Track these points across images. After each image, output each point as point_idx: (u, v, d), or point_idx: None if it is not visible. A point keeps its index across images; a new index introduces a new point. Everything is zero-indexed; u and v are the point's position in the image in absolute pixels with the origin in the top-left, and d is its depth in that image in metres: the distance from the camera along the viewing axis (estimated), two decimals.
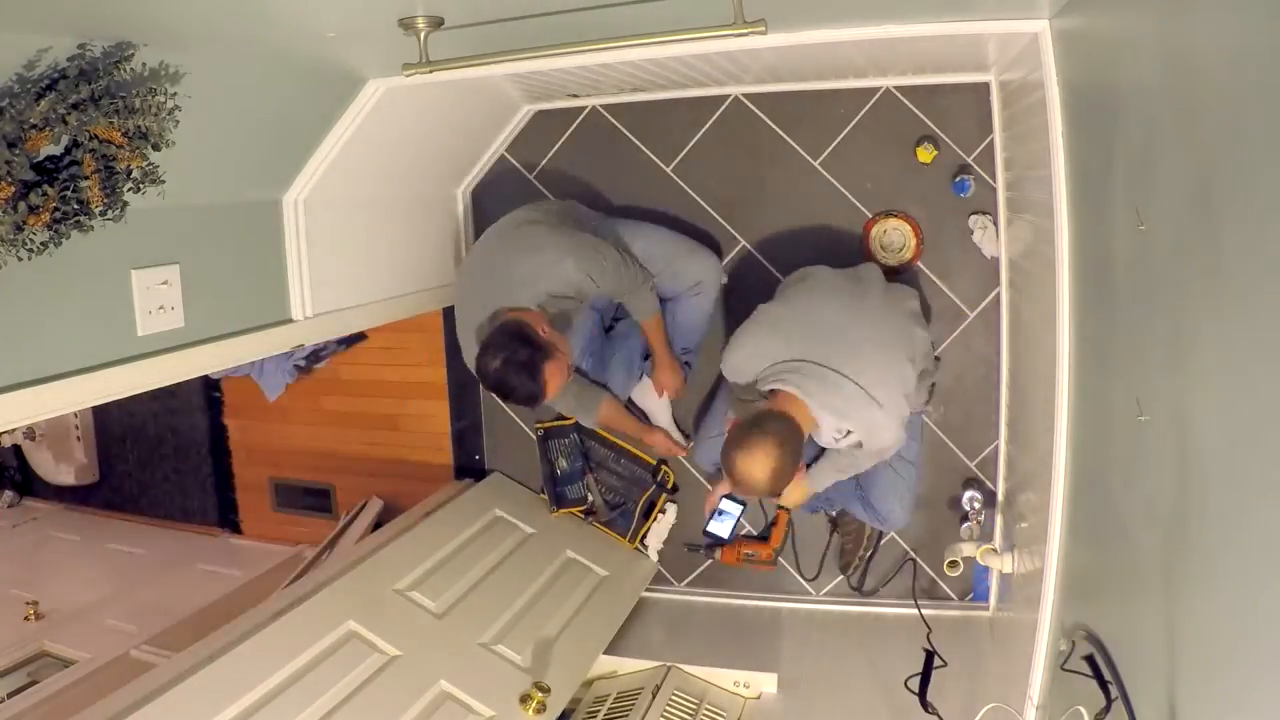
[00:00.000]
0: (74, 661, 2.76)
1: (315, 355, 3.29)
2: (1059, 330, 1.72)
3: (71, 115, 1.32)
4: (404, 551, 2.53)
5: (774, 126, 2.78)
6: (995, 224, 2.62)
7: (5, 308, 1.47)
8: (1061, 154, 1.75)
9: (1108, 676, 1.29)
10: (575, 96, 2.87)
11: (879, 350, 2.11)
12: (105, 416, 3.98)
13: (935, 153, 2.65)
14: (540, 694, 2.14)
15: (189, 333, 1.87)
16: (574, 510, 3.02)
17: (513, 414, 3.19)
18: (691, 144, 2.87)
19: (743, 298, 2.88)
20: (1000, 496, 2.67)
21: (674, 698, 2.40)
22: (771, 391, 2.10)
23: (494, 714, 2.10)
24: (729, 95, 2.81)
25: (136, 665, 2.59)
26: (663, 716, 2.32)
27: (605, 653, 2.57)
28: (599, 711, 2.41)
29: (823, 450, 2.37)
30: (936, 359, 2.59)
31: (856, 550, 2.82)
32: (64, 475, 4.00)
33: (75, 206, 1.37)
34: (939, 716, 1.96)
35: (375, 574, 2.39)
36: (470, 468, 3.25)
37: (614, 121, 2.93)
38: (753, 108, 2.80)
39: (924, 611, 2.59)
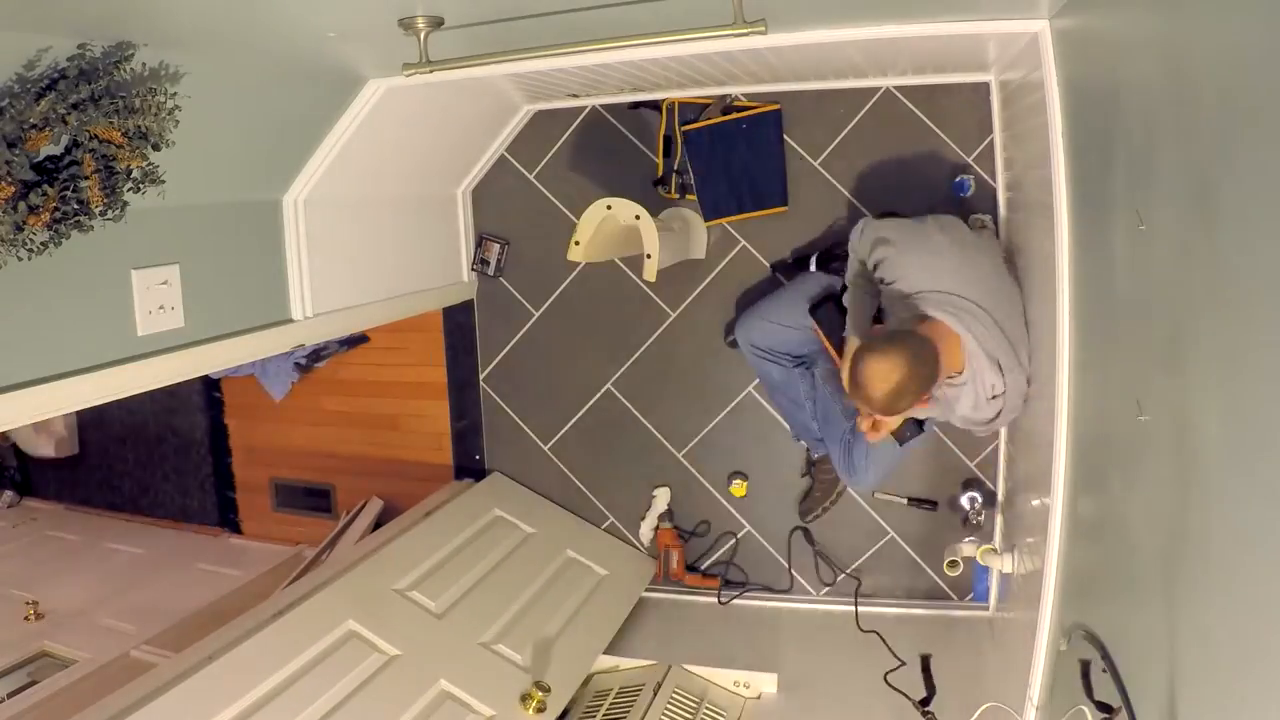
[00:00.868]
0: (74, 661, 2.76)
1: (316, 355, 3.29)
2: (1059, 330, 1.72)
3: (71, 115, 1.32)
4: (404, 551, 2.53)
5: (785, 136, 2.78)
6: (995, 224, 2.62)
7: (5, 308, 1.47)
8: (1061, 154, 1.75)
9: (1099, 682, 1.29)
10: (575, 96, 2.87)
11: (1022, 319, 2.06)
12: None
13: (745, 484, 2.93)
14: (540, 693, 2.14)
15: (189, 333, 1.87)
16: None
17: (513, 414, 3.20)
18: None
19: (743, 289, 2.89)
20: (1000, 496, 2.67)
21: (675, 696, 2.41)
22: (923, 318, 1.97)
23: (494, 713, 2.10)
24: (729, 95, 2.81)
25: (136, 665, 2.59)
26: (664, 714, 2.32)
27: (605, 652, 2.58)
28: (600, 707, 2.41)
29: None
30: None
31: (823, 500, 2.84)
32: (44, 448, 4.01)
33: (75, 206, 1.37)
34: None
35: (375, 574, 2.39)
36: (470, 468, 3.25)
37: (614, 122, 2.93)
38: None
39: (921, 611, 2.60)
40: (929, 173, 2.68)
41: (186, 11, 1.37)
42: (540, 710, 2.13)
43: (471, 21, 1.57)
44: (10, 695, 2.61)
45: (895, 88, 2.68)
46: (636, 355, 3.03)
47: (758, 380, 2.86)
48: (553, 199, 3.04)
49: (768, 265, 2.86)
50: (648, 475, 3.07)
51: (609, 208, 2.49)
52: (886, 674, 2.38)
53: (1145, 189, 1.25)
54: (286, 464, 3.60)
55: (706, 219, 2.85)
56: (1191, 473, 1.06)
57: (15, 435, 4.08)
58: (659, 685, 2.43)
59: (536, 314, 3.11)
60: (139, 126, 1.41)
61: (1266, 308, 0.84)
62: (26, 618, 3.01)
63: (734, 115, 2.76)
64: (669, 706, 2.36)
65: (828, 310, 2.31)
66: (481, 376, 3.21)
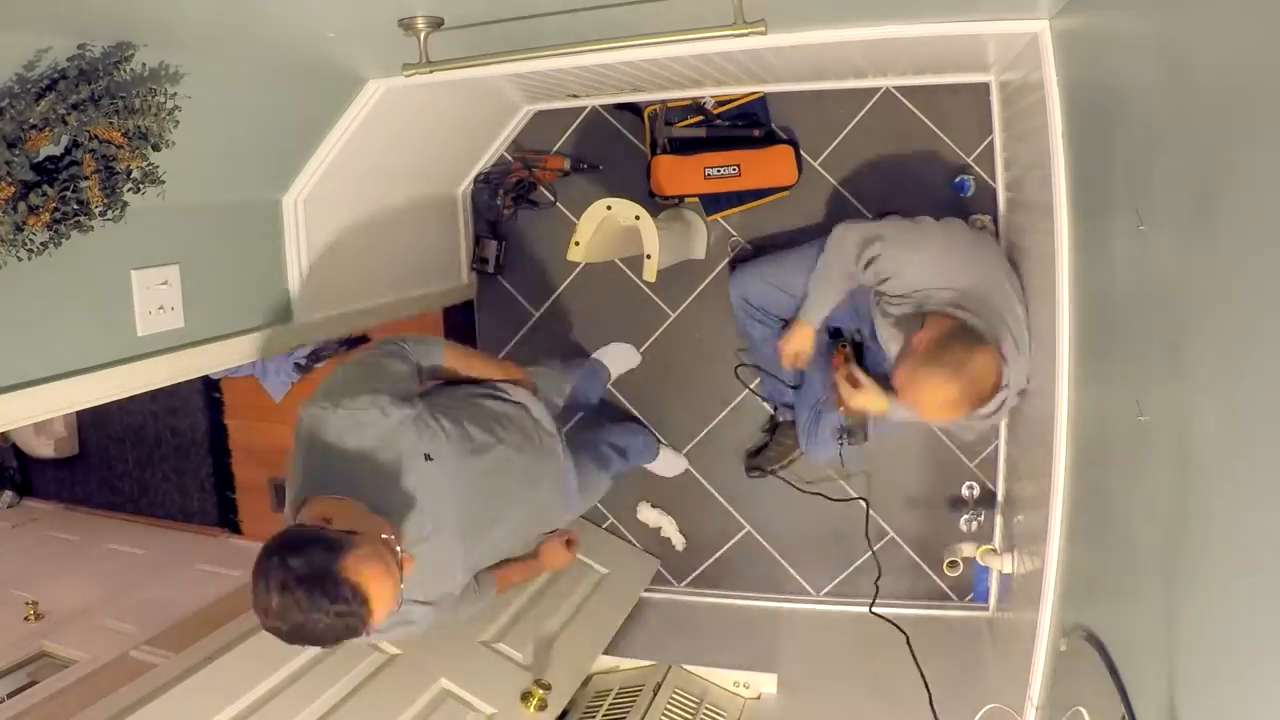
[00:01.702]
0: (74, 661, 2.76)
1: (316, 355, 3.29)
2: (1059, 330, 1.72)
3: (71, 115, 1.32)
4: None
5: (774, 127, 2.78)
6: (995, 224, 2.62)
7: (5, 308, 1.47)
8: (1061, 154, 1.75)
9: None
10: (575, 96, 2.87)
11: (1021, 306, 2.02)
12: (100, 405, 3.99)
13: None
14: (541, 691, 2.14)
15: (189, 333, 1.87)
16: None
17: None
18: None
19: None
20: (1000, 496, 2.67)
21: (675, 696, 2.41)
22: (929, 314, 1.93)
23: (495, 711, 2.10)
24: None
25: (136, 665, 2.59)
26: (663, 715, 2.32)
27: (605, 652, 2.58)
28: (599, 708, 2.41)
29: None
30: None
31: (776, 462, 2.84)
32: (43, 448, 4.01)
33: (75, 207, 1.37)
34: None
35: None
36: None
37: (614, 122, 2.93)
38: None
39: (921, 611, 2.59)
40: (929, 173, 2.68)
41: (187, 12, 1.37)
42: (541, 708, 2.13)
43: (471, 22, 1.57)
44: (10, 695, 2.61)
45: (895, 88, 2.68)
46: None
47: (757, 380, 2.86)
48: (552, 198, 3.04)
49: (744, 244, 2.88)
50: (647, 474, 3.06)
51: (609, 208, 2.49)
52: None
53: (1145, 189, 1.25)
54: (286, 464, 3.59)
55: (709, 212, 2.85)
56: (1191, 473, 1.06)
57: (15, 435, 4.08)
58: (659, 685, 2.43)
59: (537, 314, 3.11)
60: (139, 126, 1.41)
61: (1266, 308, 0.84)
62: (26, 618, 3.01)
63: (720, 110, 2.77)
64: (669, 707, 2.36)
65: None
66: None
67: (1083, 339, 1.65)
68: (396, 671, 2.11)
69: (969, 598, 2.81)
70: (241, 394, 3.63)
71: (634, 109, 2.87)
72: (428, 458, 1.63)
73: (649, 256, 2.49)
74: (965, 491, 2.73)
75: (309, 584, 1.31)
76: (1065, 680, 1.60)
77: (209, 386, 3.69)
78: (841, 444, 2.41)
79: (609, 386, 2.99)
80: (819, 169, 2.77)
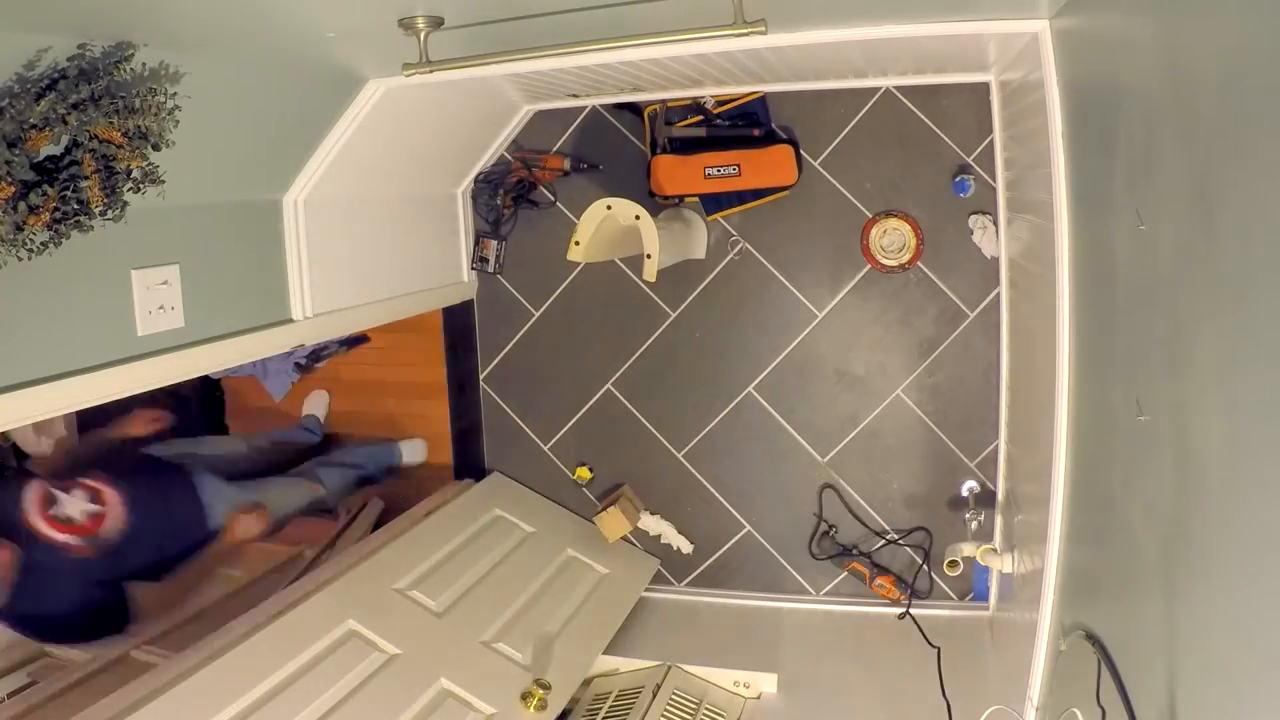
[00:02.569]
0: (74, 661, 2.75)
1: (316, 355, 3.29)
2: (1059, 330, 1.72)
3: (71, 115, 1.32)
4: (404, 551, 2.53)
5: (774, 126, 2.78)
6: (995, 224, 2.63)
7: (5, 308, 1.47)
8: (1061, 154, 1.75)
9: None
10: (575, 96, 2.87)
11: None
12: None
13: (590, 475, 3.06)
14: (541, 691, 2.14)
15: (189, 333, 1.87)
16: None
17: (513, 414, 3.20)
18: None
19: (742, 290, 2.89)
20: (1000, 496, 2.67)
21: (674, 697, 2.41)
22: None
23: (495, 711, 2.10)
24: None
25: (136, 665, 2.59)
26: (663, 716, 2.32)
27: (605, 652, 2.57)
28: (600, 710, 2.41)
29: None
30: None
31: None
32: (44, 447, 4.00)
33: (75, 206, 1.37)
34: None
35: (375, 573, 2.39)
36: (470, 468, 3.25)
37: (614, 122, 2.93)
38: None
39: (921, 611, 2.57)
40: (929, 173, 2.68)
41: (187, 12, 1.37)
42: (541, 708, 2.13)
43: (471, 21, 1.57)
44: (10, 695, 2.61)
45: (895, 88, 2.68)
46: (637, 355, 3.03)
47: (757, 380, 2.86)
48: (552, 198, 3.04)
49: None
50: (647, 475, 3.07)
51: (609, 208, 2.49)
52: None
53: (1145, 189, 1.25)
54: None
55: (709, 212, 2.85)
56: (1191, 473, 1.06)
57: (15, 435, 4.08)
58: (658, 686, 2.43)
59: (536, 314, 3.11)
60: (139, 126, 1.41)
61: (1266, 308, 0.84)
62: None
63: (720, 109, 2.76)
64: (669, 707, 2.36)
65: None
66: (481, 376, 3.21)
67: (1083, 339, 1.65)
68: (396, 671, 2.11)
69: (969, 598, 2.81)
70: (241, 394, 3.63)
71: (634, 109, 2.87)
72: None
73: (649, 256, 2.49)
74: (965, 491, 2.73)
75: None
76: (1065, 680, 1.60)
77: (209, 386, 3.69)
78: None
79: None
80: (819, 169, 2.77)
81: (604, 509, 2.96)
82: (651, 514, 3.05)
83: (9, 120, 1.26)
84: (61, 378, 1.59)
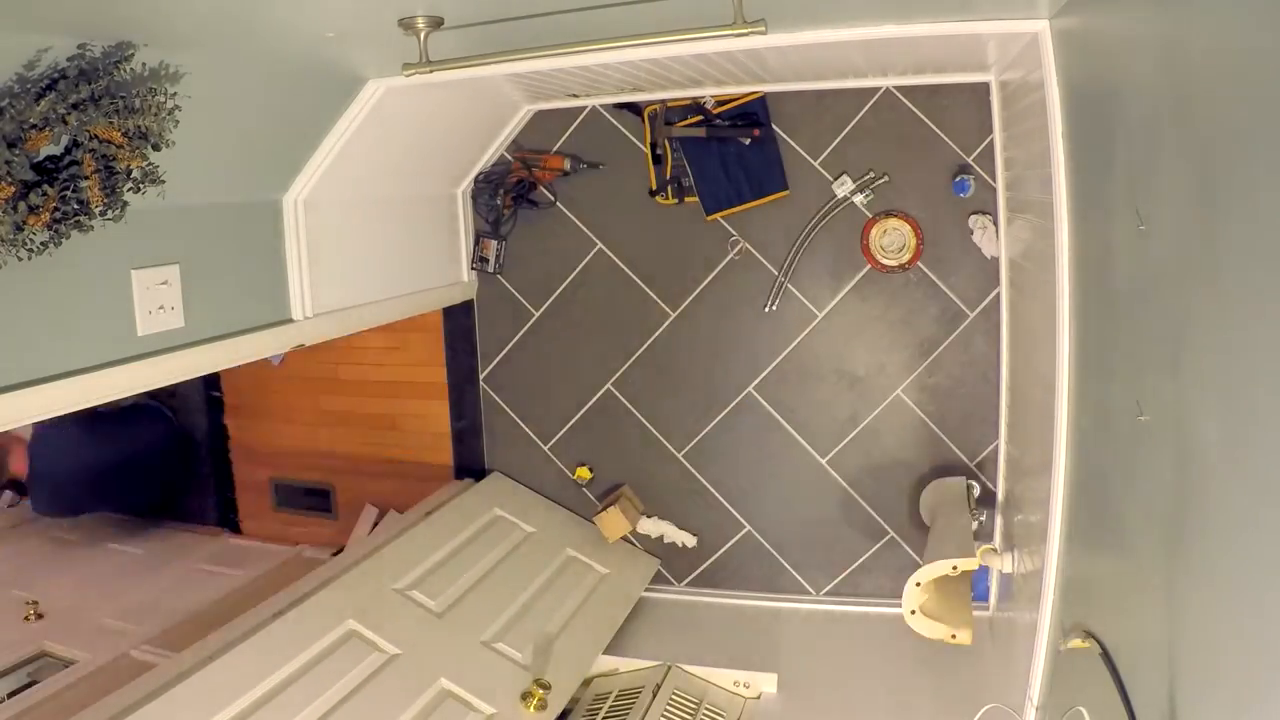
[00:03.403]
0: (74, 661, 2.75)
1: None
2: (1059, 330, 1.72)
3: (71, 115, 1.32)
4: (404, 551, 2.53)
5: (774, 127, 2.78)
6: (995, 224, 2.63)
7: (5, 308, 1.47)
8: (1061, 154, 1.75)
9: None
10: (575, 96, 2.87)
11: None
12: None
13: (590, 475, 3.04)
14: (541, 691, 2.14)
15: (189, 333, 1.87)
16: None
17: (513, 414, 3.20)
18: None
19: (741, 295, 2.89)
20: (1000, 496, 2.67)
21: (674, 697, 2.41)
22: None
23: (495, 711, 2.10)
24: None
25: (136, 665, 2.59)
26: (663, 716, 2.32)
27: (605, 652, 2.57)
28: (599, 710, 2.41)
29: None
30: None
31: None
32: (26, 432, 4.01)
33: (75, 206, 1.37)
34: None
35: (375, 573, 2.39)
36: (470, 468, 3.25)
37: (614, 122, 2.93)
38: None
39: None
40: (929, 173, 2.68)
41: (187, 12, 1.37)
42: (541, 708, 2.13)
43: (471, 21, 1.57)
44: (10, 695, 2.61)
45: (895, 88, 2.68)
46: (637, 355, 3.03)
47: (757, 380, 2.86)
48: (552, 198, 3.04)
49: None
50: (647, 475, 3.07)
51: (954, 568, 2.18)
52: None
53: (1145, 188, 1.25)
54: (286, 464, 3.59)
55: (708, 213, 2.85)
56: (1191, 473, 1.06)
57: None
58: (658, 687, 2.43)
59: (536, 314, 3.11)
60: (139, 126, 1.41)
61: (1266, 308, 0.84)
62: (26, 618, 3.01)
63: (720, 109, 2.77)
64: (669, 707, 2.36)
65: None
66: (481, 376, 3.21)
67: (1083, 339, 1.65)
68: (396, 671, 2.11)
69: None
70: (241, 394, 3.63)
71: (634, 109, 2.87)
72: None
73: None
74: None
75: None
76: (1065, 680, 1.60)
77: (209, 386, 3.69)
78: None
79: None
80: (819, 169, 2.77)
81: (604, 509, 2.96)
82: (648, 517, 3.05)
83: (9, 120, 1.26)
84: (61, 378, 1.59)
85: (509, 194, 3.00)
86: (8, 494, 4.17)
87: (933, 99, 2.66)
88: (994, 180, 2.63)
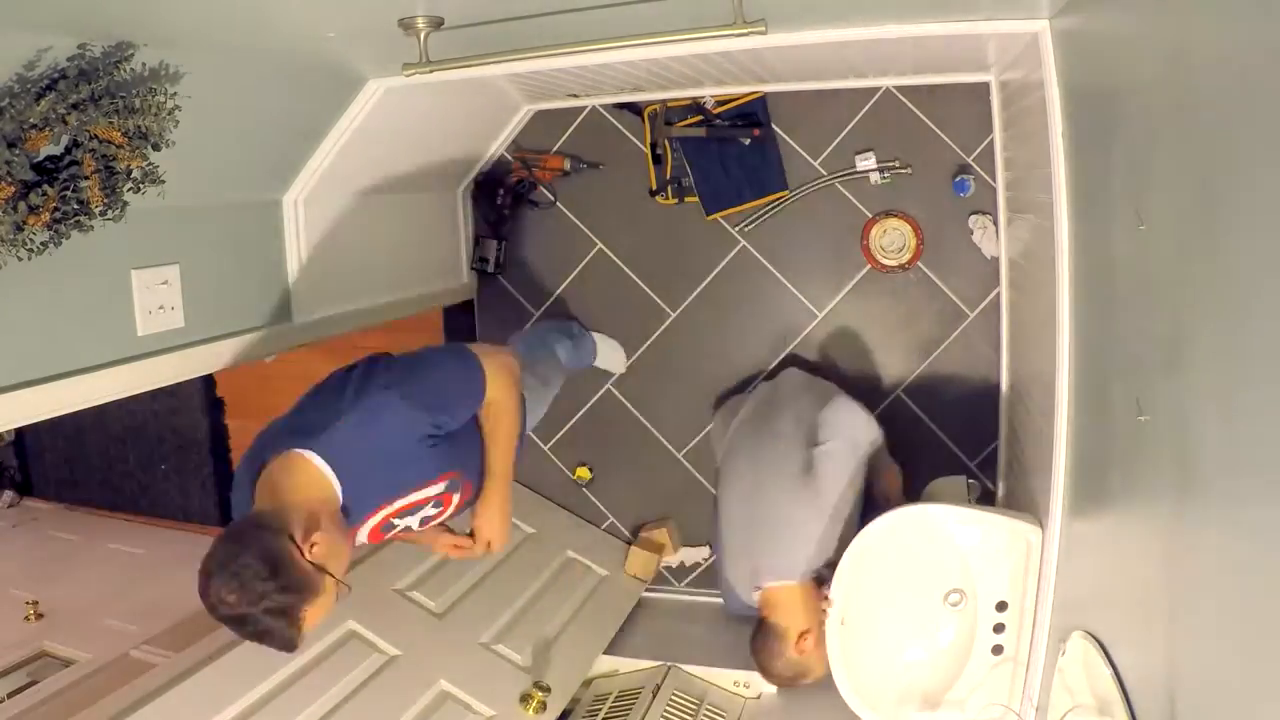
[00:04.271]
0: (74, 661, 2.75)
1: None
2: (1059, 330, 1.72)
3: (71, 115, 1.32)
4: (404, 551, 2.53)
5: (774, 127, 2.78)
6: (995, 224, 2.63)
7: (5, 308, 1.47)
8: (1061, 154, 1.75)
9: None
10: (575, 96, 2.87)
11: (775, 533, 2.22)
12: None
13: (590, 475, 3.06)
14: (540, 693, 2.14)
15: (189, 333, 1.87)
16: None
17: None
18: None
19: (744, 292, 2.89)
20: (1000, 496, 2.67)
21: (674, 697, 2.40)
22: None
23: (494, 713, 2.10)
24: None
25: (136, 665, 2.59)
26: (663, 716, 2.32)
27: (605, 652, 2.57)
28: (599, 711, 2.41)
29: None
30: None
31: None
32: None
33: (75, 206, 1.37)
34: None
35: (375, 574, 2.39)
36: None
37: (614, 122, 2.93)
38: None
39: None
40: (929, 173, 2.68)
41: (187, 12, 1.37)
42: (541, 710, 2.13)
43: (471, 21, 1.57)
44: (10, 695, 2.61)
45: (895, 88, 2.68)
46: (636, 355, 3.03)
47: (757, 380, 2.86)
48: (552, 198, 3.04)
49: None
50: (647, 475, 3.07)
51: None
52: None
53: (1145, 188, 1.25)
54: None
55: (709, 212, 2.85)
56: (1191, 473, 1.06)
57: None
58: (658, 687, 2.43)
59: (536, 314, 3.11)
60: (139, 126, 1.41)
61: (1267, 308, 0.84)
62: (26, 618, 3.01)
63: (720, 109, 2.77)
64: (669, 707, 2.36)
65: None
66: None
67: (1083, 339, 1.65)
68: (396, 673, 2.11)
69: None
70: (242, 394, 3.63)
71: (634, 109, 2.87)
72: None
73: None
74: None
75: None
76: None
77: (209, 386, 3.69)
78: None
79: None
80: (819, 169, 2.77)
81: (643, 543, 2.95)
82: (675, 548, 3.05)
83: (9, 120, 1.26)
84: (61, 378, 1.59)
85: (509, 194, 3.00)
86: (8, 494, 4.17)
87: (933, 99, 2.66)
88: (994, 180, 2.63)
